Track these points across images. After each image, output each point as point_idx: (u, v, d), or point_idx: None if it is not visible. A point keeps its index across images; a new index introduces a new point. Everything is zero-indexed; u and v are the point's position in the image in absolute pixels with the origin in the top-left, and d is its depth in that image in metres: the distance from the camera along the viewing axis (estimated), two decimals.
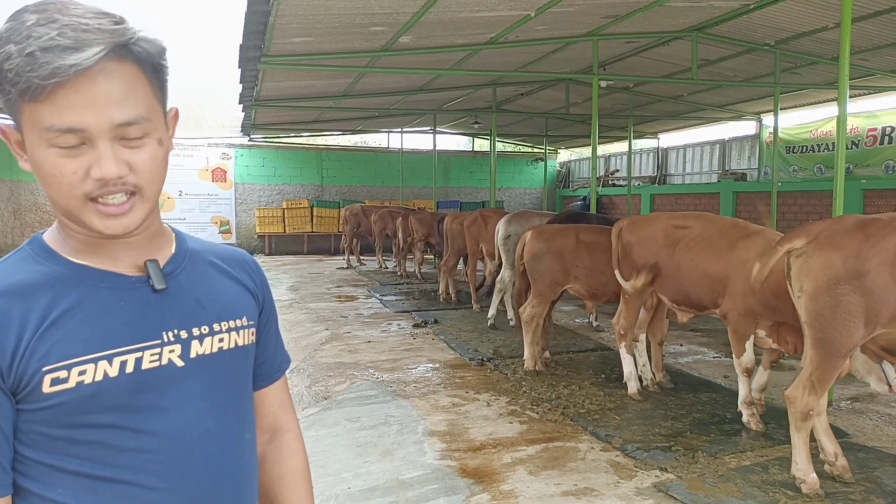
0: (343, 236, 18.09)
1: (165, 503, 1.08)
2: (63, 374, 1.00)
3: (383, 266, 16.70)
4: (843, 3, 5.33)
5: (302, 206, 21.73)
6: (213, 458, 1.14)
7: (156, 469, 1.07)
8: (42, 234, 1.13)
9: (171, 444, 1.08)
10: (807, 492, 3.82)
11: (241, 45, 8.55)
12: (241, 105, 13.73)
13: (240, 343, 1.22)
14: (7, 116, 1.06)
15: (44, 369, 1.00)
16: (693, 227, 5.37)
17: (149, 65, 1.05)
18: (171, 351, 1.10)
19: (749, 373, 5.02)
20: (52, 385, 1.00)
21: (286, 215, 21.51)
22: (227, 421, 1.17)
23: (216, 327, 1.17)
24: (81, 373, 1.01)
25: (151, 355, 1.07)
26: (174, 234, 1.24)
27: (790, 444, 4.43)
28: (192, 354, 1.13)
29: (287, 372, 1.47)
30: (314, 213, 21.73)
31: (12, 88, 0.96)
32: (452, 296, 11.30)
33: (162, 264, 1.15)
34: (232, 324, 1.21)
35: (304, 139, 22.82)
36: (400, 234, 14.47)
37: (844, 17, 5.35)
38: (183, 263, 1.19)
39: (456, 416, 5.34)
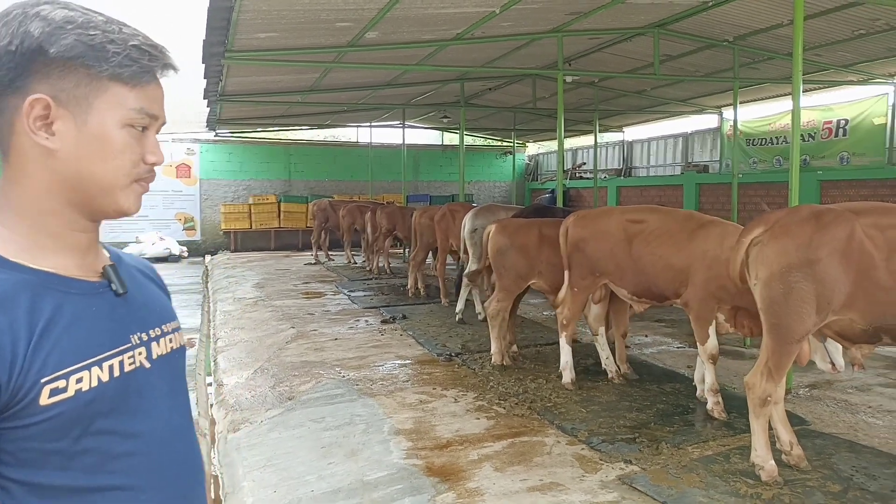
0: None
1: (154, 503, 1.11)
2: (62, 383, 1.00)
3: (352, 261, 16.65)
4: (796, 2, 5.45)
5: (269, 201, 21.53)
6: (185, 454, 1.19)
7: (144, 470, 1.10)
8: None
9: (153, 444, 1.12)
10: (766, 479, 3.92)
11: (204, 41, 8.44)
12: (206, 100, 13.55)
13: (181, 344, 1.28)
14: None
15: (42, 381, 0.98)
16: (649, 221, 5.45)
17: None
18: (139, 353, 1.13)
19: (714, 359, 5.14)
20: (50, 396, 0.98)
21: (253, 211, 21.29)
22: (187, 417, 1.24)
23: (164, 328, 1.22)
24: (79, 380, 1.02)
25: (129, 358, 1.10)
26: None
27: (751, 432, 4.56)
28: (154, 356, 1.17)
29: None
30: (282, 209, 21.54)
31: (110, 68, 1.06)
32: (421, 290, 11.32)
33: None
34: (171, 326, 1.26)
35: (272, 134, 22.60)
36: (369, 229, 14.41)
37: (797, 15, 5.48)
38: (122, 269, 1.21)
39: (423, 414, 5.36)
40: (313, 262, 17.06)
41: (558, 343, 7.73)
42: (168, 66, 1.15)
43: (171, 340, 1.23)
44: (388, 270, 14.40)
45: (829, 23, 9.50)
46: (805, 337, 3.87)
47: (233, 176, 21.69)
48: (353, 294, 11.68)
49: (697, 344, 5.23)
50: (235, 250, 20.82)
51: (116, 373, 1.07)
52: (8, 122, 1.05)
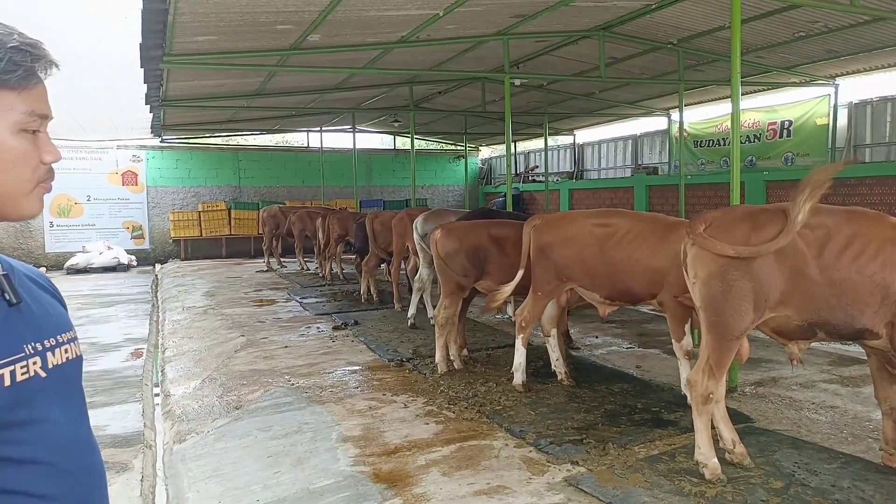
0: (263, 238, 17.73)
1: None
2: None
3: (305, 268, 16.45)
4: (733, 5, 5.56)
5: (219, 208, 21.16)
6: (86, 462, 1.21)
7: (42, 478, 1.10)
8: None
9: (50, 451, 1.12)
10: (709, 477, 3.96)
11: (141, 45, 8.24)
12: (148, 105, 13.25)
13: (77, 353, 1.27)
14: None
15: None
16: (617, 224, 5.47)
17: None
18: (34, 363, 1.12)
19: (690, 355, 5.19)
20: None
21: (202, 218, 20.89)
22: (85, 426, 1.24)
23: (60, 338, 1.21)
24: None
25: (21, 367, 1.09)
26: None
27: (694, 430, 4.59)
28: (50, 365, 1.16)
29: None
30: (232, 216, 21.19)
31: None
32: (374, 296, 11.23)
33: None
34: (67, 336, 1.25)
35: (220, 139, 22.24)
36: (321, 235, 14.26)
37: (735, 18, 5.59)
38: (15, 278, 1.18)
39: (372, 420, 5.29)
40: (265, 269, 16.82)
41: (510, 346, 7.77)
42: (50, 62, 1.12)
43: (66, 350, 1.22)
44: (341, 276, 14.26)
45: (770, 25, 9.73)
46: (744, 334, 3.93)
47: (181, 183, 21.26)
48: (304, 301, 11.52)
49: (674, 342, 5.29)
50: (185, 258, 20.40)
51: (8, 382, 1.06)
52: None
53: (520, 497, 3.88)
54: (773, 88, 14.31)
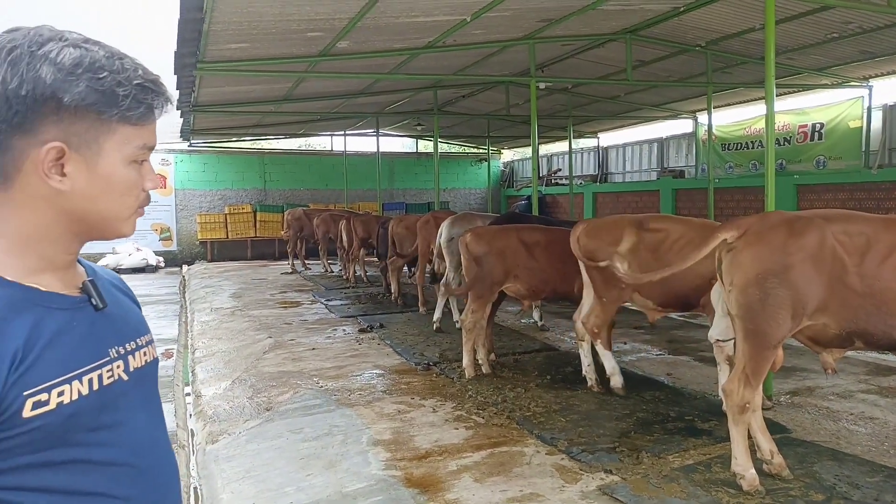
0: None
1: None
2: (44, 396, 1.03)
3: (328, 270, 16.53)
4: (767, 6, 5.49)
5: (244, 210, 21.37)
6: (161, 464, 1.24)
7: (122, 480, 1.14)
8: None
9: (131, 454, 1.16)
10: (747, 489, 3.89)
11: (175, 53, 8.37)
12: (179, 111, 13.44)
13: (154, 356, 1.31)
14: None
15: (24, 393, 1.01)
16: (669, 230, 5.43)
17: None
18: (118, 366, 1.17)
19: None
20: (33, 409, 1.02)
21: (228, 220, 21.13)
22: (161, 428, 1.29)
23: (139, 341, 1.26)
24: (60, 394, 1.05)
25: (107, 372, 1.14)
26: None
27: (731, 441, 4.54)
28: (131, 368, 1.20)
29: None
30: (257, 218, 21.41)
31: (118, 112, 1.09)
32: (398, 299, 11.24)
33: None
34: (145, 339, 1.29)
35: (246, 143, 22.48)
36: (344, 238, 14.32)
37: (769, 19, 5.51)
38: (100, 284, 1.23)
39: (401, 424, 5.29)
40: (290, 271, 16.93)
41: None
42: (167, 100, 1.18)
43: (145, 353, 1.26)
44: (364, 279, 14.31)
45: (802, 26, 9.60)
46: (781, 342, 3.87)
47: (208, 186, 21.51)
48: (330, 303, 11.57)
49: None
50: (212, 260, 20.63)
51: (96, 386, 1.10)
52: (13, 160, 1.07)
53: None
54: (804, 90, 14.12)
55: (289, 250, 17.56)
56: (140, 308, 1.39)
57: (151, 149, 1.19)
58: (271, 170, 22.38)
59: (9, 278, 1.07)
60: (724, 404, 5.01)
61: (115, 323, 1.21)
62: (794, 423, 5.18)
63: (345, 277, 14.75)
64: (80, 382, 1.08)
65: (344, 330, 9.28)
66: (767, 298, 3.77)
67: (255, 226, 21.38)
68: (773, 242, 3.81)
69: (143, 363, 1.25)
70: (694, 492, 3.93)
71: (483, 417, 5.39)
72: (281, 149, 23.50)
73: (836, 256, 3.69)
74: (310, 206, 19.94)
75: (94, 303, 1.17)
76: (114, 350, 1.17)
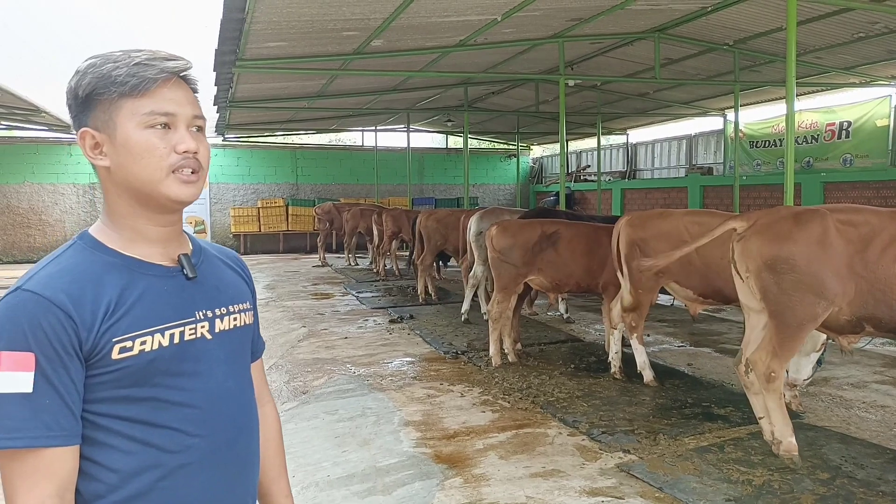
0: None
1: (200, 446, 1.35)
2: (129, 343, 1.26)
3: (353, 264, 16.84)
4: (788, 8, 5.66)
5: (277, 204, 21.78)
6: (234, 412, 1.42)
7: (194, 419, 1.33)
8: (87, 231, 1.38)
9: (205, 399, 1.35)
10: (782, 453, 4.16)
11: (216, 50, 8.70)
12: (216, 106, 13.83)
13: (246, 322, 1.52)
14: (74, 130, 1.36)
15: (114, 340, 1.24)
16: (711, 224, 5.61)
17: (194, 90, 1.42)
18: (202, 326, 1.38)
19: None
20: (120, 353, 1.25)
21: (261, 214, 21.53)
22: (241, 384, 1.47)
23: (231, 308, 1.46)
24: (143, 342, 1.27)
25: (189, 329, 1.35)
26: (187, 234, 1.53)
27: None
28: (217, 330, 1.41)
29: (266, 367, 1.74)
30: (289, 212, 21.77)
31: (118, 89, 1.28)
32: (432, 295, 11.39)
33: None
34: (240, 306, 1.50)
35: (279, 138, 22.86)
36: (375, 232, 14.63)
37: (790, 21, 5.68)
38: (201, 257, 1.47)
39: (431, 407, 5.57)
40: (320, 264, 17.29)
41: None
42: (163, 70, 1.31)
43: (235, 319, 1.47)
44: (396, 272, 14.60)
45: (828, 26, 9.68)
46: (810, 322, 4.04)
47: (241, 180, 21.99)
48: (361, 295, 11.90)
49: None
50: (245, 253, 21.05)
51: (176, 340, 1.32)
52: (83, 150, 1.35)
53: (574, 480, 4.11)
54: (831, 89, 14.12)
55: (319, 244, 17.90)
56: (248, 281, 1.60)
57: (170, 115, 1.32)
58: (303, 164, 22.78)
59: (111, 247, 1.32)
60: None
61: (208, 291, 1.42)
62: (807, 410, 5.37)
63: (375, 270, 15.07)
64: (162, 335, 1.29)
65: (375, 320, 9.59)
66: (782, 282, 4.03)
67: (288, 219, 21.76)
68: (780, 230, 4.06)
69: (232, 326, 1.45)
70: (707, 469, 4.16)
71: (509, 402, 5.65)
72: (313, 144, 23.90)
73: (840, 243, 3.92)
74: (340, 201, 20.28)
75: (186, 272, 1.38)
76: (200, 313, 1.37)
